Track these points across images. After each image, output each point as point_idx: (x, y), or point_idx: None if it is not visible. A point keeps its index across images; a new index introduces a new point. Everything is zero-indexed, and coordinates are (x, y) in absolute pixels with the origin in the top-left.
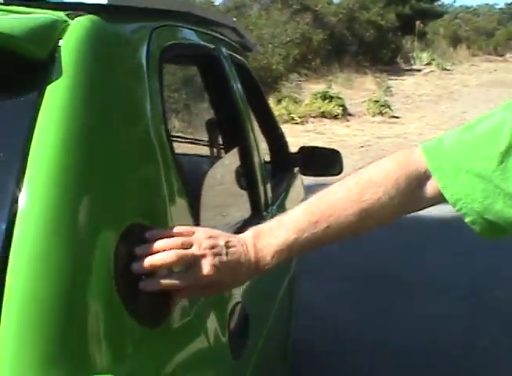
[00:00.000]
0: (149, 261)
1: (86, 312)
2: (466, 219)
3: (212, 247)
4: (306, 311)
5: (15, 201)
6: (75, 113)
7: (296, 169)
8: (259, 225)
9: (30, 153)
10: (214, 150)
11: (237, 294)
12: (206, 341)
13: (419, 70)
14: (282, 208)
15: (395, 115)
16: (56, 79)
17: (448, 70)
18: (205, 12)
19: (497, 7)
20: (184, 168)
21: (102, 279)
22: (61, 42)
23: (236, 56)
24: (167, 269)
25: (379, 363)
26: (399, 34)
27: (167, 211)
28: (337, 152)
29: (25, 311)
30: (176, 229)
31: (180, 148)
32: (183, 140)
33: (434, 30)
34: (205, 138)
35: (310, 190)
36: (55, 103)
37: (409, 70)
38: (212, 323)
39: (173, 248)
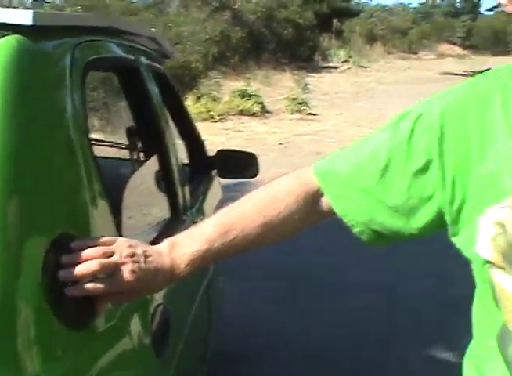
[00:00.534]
0: (74, 269)
1: (15, 317)
2: (355, 230)
3: (132, 256)
4: (227, 310)
5: None
6: (1, 125)
7: (213, 172)
8: (175, 236)
9: None
10: (136, 155)
11: (158, 296)
12: (130, 343)
13: (336, 68)
14: (200, 211)
15: (313, 112)
16: None
17: (365, 67)
18: (125, 25)
19: (411, 6)
20: (107, 173)
21: (31, 285)
22: None
23: (155, 64)
24: (92, 276)
25: (298, 356)
26: (317, 32)
27: (91, 217)
28: (253, 155)
29: None
30: (99, 239)
31: (104, 153)
32: (107, 145)
33: (351, 29)
34: (127, 143)
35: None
36: None
37: (327, 67)
38: (135, 325)
39: (96, 257)
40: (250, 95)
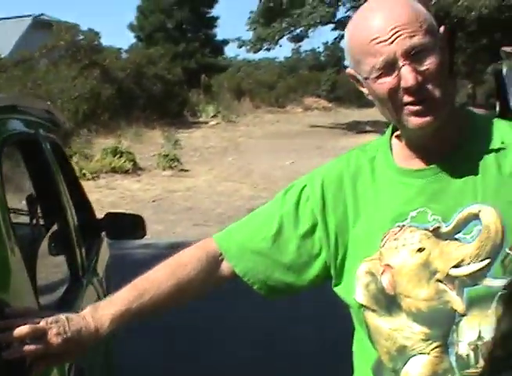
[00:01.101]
0: (7, 334)
1: None
2: (254, 287)
3: (56, 321)
4: None
5: None
6: None
7: (103, 233)
8: (97, 303)
9: None
10: (36, 220)
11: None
12: None
13: (206, 123)
14: (95, 272)
15: (185, 168)
16: None
17: (234, 122)
18: (25, 101)
19: (277, 60)
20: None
21: None
22: None
23: (50, 135)
24: (24, 341)
25: None
26: (186, 88)
27: (11, 282)
28: (140, 217)
29: None
30: (29, 309)
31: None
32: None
33: (219, 83)
34: (28, 209)
35: None
36: None
37: (196, 122)
38: None
39: (26, 324)
40: (122, 153)
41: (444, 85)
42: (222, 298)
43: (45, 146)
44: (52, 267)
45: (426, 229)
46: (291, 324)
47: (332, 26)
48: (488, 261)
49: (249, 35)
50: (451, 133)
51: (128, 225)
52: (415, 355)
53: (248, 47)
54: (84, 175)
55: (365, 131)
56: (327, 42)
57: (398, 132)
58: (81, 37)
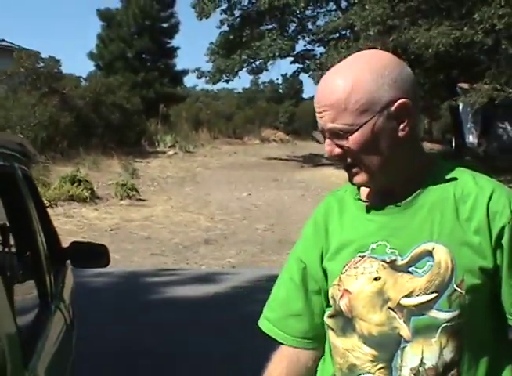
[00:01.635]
0: None
1: None
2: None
3: None
4: None
5: None
6: None
7: (68, 262)
8: None
9: None
10: (8, 249)
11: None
12: None
13: (163, 153)
14: (62, 298)
15: (142, 198)
16: None
17: (191, 152)
18: (1, 135)
19: (236, 91)
20: None
21: None
22: None
23: (23, 167)
24: None
25: None
26: (144, 117)
27: None
28: (104, 246)
29: None
30: None
31: None
32: None
33: (177, 113)
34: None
35: None
36: None
37: (154, 152)
38: None
39: None
40: (80, 181)
41: (372, 155)
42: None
43: (19, 177)
44: (24, 292)
45: (383, 261)
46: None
47: (291, 59)
48: (435, 294)
49: (208, 66)
50: (409, 179)
51: (92, 254)
52: (363, 373)
53: (207, 78)
54: None
55: (322, 165)
56: (286, 74)
57: None
58: (42, 64)
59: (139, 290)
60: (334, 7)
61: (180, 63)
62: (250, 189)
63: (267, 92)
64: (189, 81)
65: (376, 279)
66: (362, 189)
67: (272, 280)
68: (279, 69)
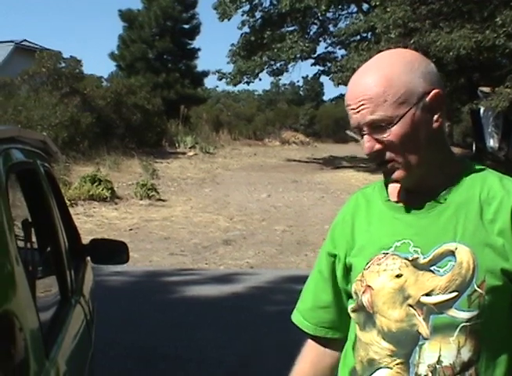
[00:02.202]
0: None
1: None
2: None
3: None
4: None
5: None
6: None
7: (88, 258)
8: None
9: None
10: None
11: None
12: None
13: (183, 154)
14: (81, 294)
15: (162, 198)
16: None
17: (211, 153)
18: (24, 133)
19: (256, 93)
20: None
21: None
22: None
23: (45, 164)
24: None
25: None
26: (165, 118)
27: (18, 297)
28: (124, 243)
29: None
30: None
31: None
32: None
33: (198, 115)
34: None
35: None
36: None
37: (175, 153)
38: None
39: None
40: (101, 181)
41: (411, 149)
42: (196, 326)
43: (41, 174)
44: (45, 287)
45: (406, 259)
46: (266, 352)
47: (312, 61)
48: (455, 294)
49: (229, 67)
50: (438, 179)
51: (112, 251)
52: (381, 367)
53: (228, 80)
54: None
55: (342, 167)
56: (307, 76)
57: None
58: (63, 64)
59: (158, 289)
60: (355, 9)
61: (201, 65)
62: (270, 191)
63: (287, 94)
64: (210, 82)
65: (398, 276)
66: (390, 187)
67: (290, 281)
68: (300, 71)
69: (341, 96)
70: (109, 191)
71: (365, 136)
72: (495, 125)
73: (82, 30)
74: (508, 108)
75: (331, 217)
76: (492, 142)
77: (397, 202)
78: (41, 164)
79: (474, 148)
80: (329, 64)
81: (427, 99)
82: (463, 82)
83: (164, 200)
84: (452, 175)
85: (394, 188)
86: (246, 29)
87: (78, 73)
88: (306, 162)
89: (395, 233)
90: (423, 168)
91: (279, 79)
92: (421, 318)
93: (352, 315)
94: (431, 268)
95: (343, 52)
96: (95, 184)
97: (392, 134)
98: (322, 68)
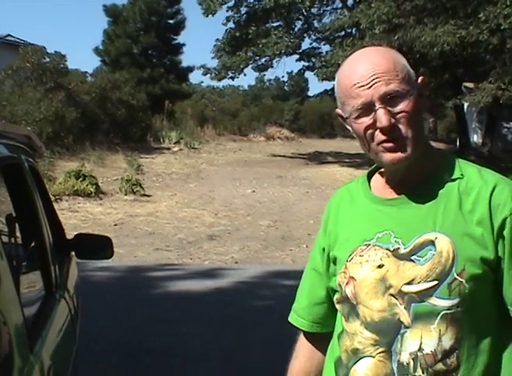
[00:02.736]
0: None
1: None
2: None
3: None
4: None
5: None
6: None
7: (72, 253)
8: None
9: None
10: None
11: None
12: None
13: (168, 149)
14: (66, 288)
15: (147, 193)
16: None
17: (196, 148)
18: (8, 128)
19: (241, 88)
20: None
21: None
22: None
23: (30, 159)
24: None
25: None
26: (149, 113)
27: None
28: (108, 238)
29: None
30: None
31: None
32: None
33: (183, 110)
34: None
35: None
36: None
37: (159, 148)
38: None
39: None
40: (85, 176)
41: (417, 126)
42: (182, 320)
43: (25, 169)
44: (30, 282)
45: (387, 249)
46: (251, 347)
47: (297, 56)
48: (435, 282)
49: (214, 63)
50: (422, 168)
51: (96, 246)
52: (364, 357)
53: (213, 75)
54: None
55: (327, 162)
56: (292, 72)
57: (382, 169)
58: (47, 59)
59: (143, 284)
60: (340, 5)
61: (186, 60)
62: (255, 186)
63: (272, 90)
64: (195, 77)
65: (379, 266)
66: (373, 181)
67: (274, 276)
68: (285, 66)
69: (326, 92)
70: (94, 186)
71: (381, 110)
72: (479, 121)
73: (67, 25)
74: (491, 104)
75: (316, 212)
76: (476, 138)
77: (379, 195)
78: (26, 159)
79: (458, 143)
80: (313, 60)
81: (419, 82)
82: (448, 78)
83: (148, 196)
84: (431, 169)
85: (376, 181)
86: (231, 24)
87: (63, 68)
88: (291, 157)
89: (377, 225)
90: (418, 149)
91: (264, 75)
92: (402, 307)
93: (337, 306)
94: (412, 257)
95: (327, 47)
96: (80, 179)
97: (406, 106)
98: (306, 64)
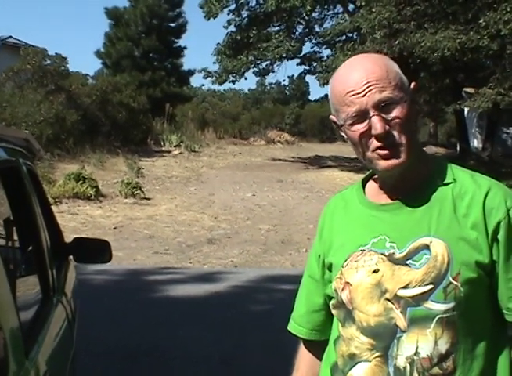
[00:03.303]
0: None
1: None
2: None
3: None
4: None
5: None
6: None
7: (70, 257)
8: None
9: None
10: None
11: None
12: None
13: (169, 152)
14: (63, 292)
15: (147, 197)
16: None
17: (197, 152)
18: (7, 131)
19: (242, 92)
20: None
21: None
22: None
23: (28, 162)
24: None
25: None
26: (150, 116)
27: None
28: (106, 242)
29: None
30: None
31: None
32: None
33: (183, 113)
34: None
35: None
36: None
37: (160, 151)
38: None
39: None
40: (85, 179)
41: (411, 132)
42: (182, 323)
43: (23, 172)
44: (27, 286)
45: (383, 254)
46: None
47: (298, 60)
48: (431, 286)
49: (215, 66)
50: (416, 174)
51: (95, 250)
52: (361, 361)
53: (214, 78)
54: None
55: (327, 166)
56: (293, 76)
57: (376, 176)
58: (48, 61)
59: (142, 288)
60: (341, 10)
61: (187, 63)
62: (255, 190)
63: (273, 94)
64: (196, 81)
65: (375, 271)
66: (368, 187)
67: (274, 280)
68: (286, 70)
69: (327, 96)
70: (94, 189)
71: (375, 117)
72: (479, 126)
73: (68, 28)
74: (491, 109)
75: (316, 216)
76: (476, 143)
77: (373, 201)
78: (24, 163)
79: (458, 148)
80: (314, 64)
81: (411, 88)
82: (448, 83)
83: (148, 199)
84: (425, 174)
85: (370, 187)
86: (232, 28)
87: (64, 70)
88: (291, 161)
89: (372, 230)
90: (412, 155)
91: (265, 78)
92: (398, 311)
93: (333, 312)
94: (407, 262)
95: (328, 52)
96: (80, 182)
97: (400, 113)
98: (307, 68)
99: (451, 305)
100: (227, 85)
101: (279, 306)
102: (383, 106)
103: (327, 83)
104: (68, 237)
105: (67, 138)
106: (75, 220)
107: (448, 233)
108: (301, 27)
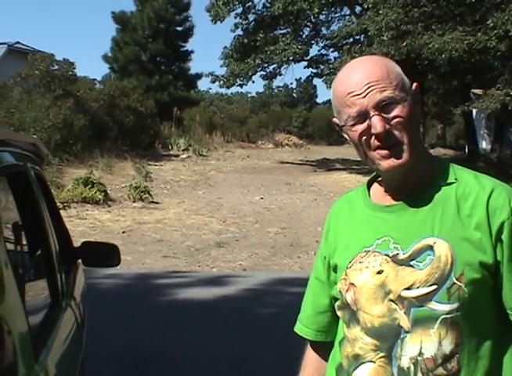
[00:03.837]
0: None
1: None
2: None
3: None
4: None
5: None
6: None
7: (79, 261)
8: None
9: None
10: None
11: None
12: None
13: (176, 156)
14: (72, 297)
15: (155, 201)
16: None
17: (205, 155)
18: (15, 136)
19: (250, 95)
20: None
21: None
22: None
23: (36, 167)
24: None
25: None
26: (158, 120)
27: (6, 301)
28: (115, 246)
29: None
30: None
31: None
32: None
33: (191, 117)
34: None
35: None
36: None
37: (168, 155)
38: None
39: None
40: (94, 183)
41: (412, 132)
42: (193, 326)
43: (32, 177)
44: (36, 290)
45: (387, 255)
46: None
47: (305, 63)
48: (435, 287)
49: (222, 70)
50: (419, 174)
51: (103, 254)
52: (365, 362)
53: (221, 82)
54: None
55: (335, 169)
56: (300, 79)
57: (381, 178)
58: (56, 66)
59: (151, 292)
60: (348, 12)
61: (194, 67)
62: (263, 193)
63: (281, 97)
64: (203, 84)
65: (379, 272)
66: (372, 189)
67: (282, 283)
68: (293, 73)
69: None
70: (103, 193)
71: (375, 117)
72: (488, 127)
73: (75, 33)
74: (500, 110)
75: (324, 219)
76: (485, 144)
77: (378, 202)
78: (32, 167)
79: (466, 150)
80: (322, 66)
81: (413, 89)
82: (456, 84)
83: (157, 203)
84: (428, 175)
85: (375, 189)
86: (239, 31)
87: (71, 75)
88: (299, 164)
89: (376, 232)
90: (414, 155)
91: (272, 82)
92: (402, 312)
93: (338, 313)
94: (411, 263)
95: (336, 54)
96: (88, 186)
97: (400, 112)
98: (315, 70)
99: (455, 305)
100: (234, 89)
101: (288, 309)
102: (383, 106)
103: None
104: (77, 242)
105: (75, 142)
106: (84, 224)
107: (452, 233)
108: (308, 29)
